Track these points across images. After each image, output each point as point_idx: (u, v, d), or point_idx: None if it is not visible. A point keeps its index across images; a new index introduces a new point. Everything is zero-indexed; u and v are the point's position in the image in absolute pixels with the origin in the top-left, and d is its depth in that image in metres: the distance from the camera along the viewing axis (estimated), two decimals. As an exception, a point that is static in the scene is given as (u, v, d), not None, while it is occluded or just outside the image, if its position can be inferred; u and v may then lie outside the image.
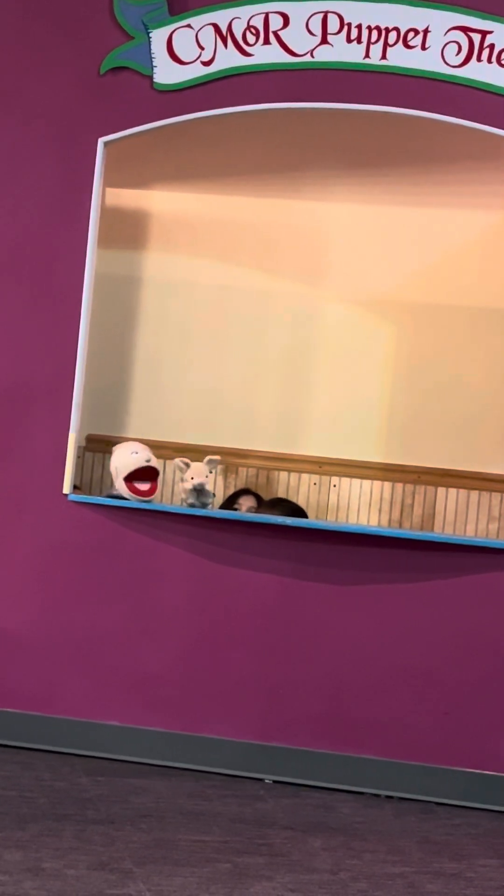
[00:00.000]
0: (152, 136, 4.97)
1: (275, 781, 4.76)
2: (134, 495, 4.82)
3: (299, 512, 5.44)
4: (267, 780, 4.77)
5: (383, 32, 4.74)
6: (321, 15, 4.76)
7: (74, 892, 3.54)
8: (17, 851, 3.80)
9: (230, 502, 5.55)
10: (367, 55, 4.75)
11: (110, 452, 5.60)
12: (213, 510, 4.98)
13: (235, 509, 5.45)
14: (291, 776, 4.76)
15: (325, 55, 4.77)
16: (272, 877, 3.82)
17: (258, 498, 5.56)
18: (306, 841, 4.18)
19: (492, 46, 4.70)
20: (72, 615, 4.89)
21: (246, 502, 5.51)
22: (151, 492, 4.85)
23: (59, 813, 4.20)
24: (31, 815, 4.15)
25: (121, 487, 4.84)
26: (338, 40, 4.76)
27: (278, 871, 3.87)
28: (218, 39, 4.81)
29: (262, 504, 5.49)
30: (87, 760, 4.80)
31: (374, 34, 4.74)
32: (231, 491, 5.67)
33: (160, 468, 4.94)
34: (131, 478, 4.83)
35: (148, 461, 4.85)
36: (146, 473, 4.84)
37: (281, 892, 3.70)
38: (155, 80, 4.86)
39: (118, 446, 5.00)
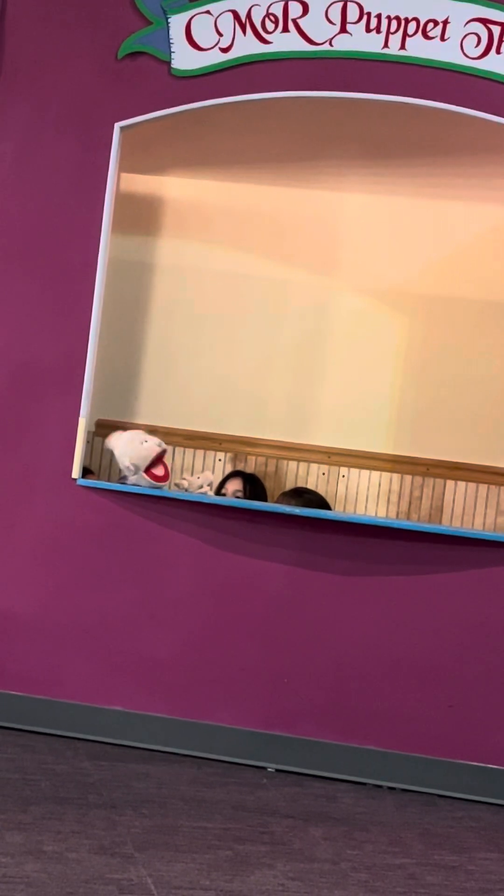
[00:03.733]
0: (168, 122, 4.96)
1: (277, 770, 4.77)
2: (155, 482, 4.81)
3: (322, 504, 5.41)
4: (269, 769, 4.77)
5: (402, 22, 4.73)
6: (341, 4, 4.74)
7: (75, 875, 3.55)
8: (19, 834, 3.81)
9: (220, 486, 5.53)
10: (385, 45, 4.74)
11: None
12: (216, 497, 4.98)
13: (223, 494, 5.43)
14: (294, 765, 4.77)
15: (343, 44, 4.76)
16: (273, 865, 3.83)
17: (247, 481, 5.52)
18: (307, 830, 4.18)
19: (511, 39, 4.69)
20: (78, 599, 4.89)
21: (231, 486, 5.49)
22: (167, 476, 4.83)
23: (61, 796, 4.21)
24: (33, 797, 4.16)
25: (140, 480, 4.80)
26: (357, 29, 4.74)
27: (279, 860, 3.87)
28: (237, 26, 4.80)
29: (282, 494, 5.48)
30: (89, 745, 4.81)
31: (394, 24, 4.72)
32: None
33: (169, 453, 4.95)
34: (149, 467, 4.82)
35: (160, 444, 4.82)
36: (158, 458, 4.83)
37: (281, 881, 3.71)
38: (173, 66, 4.84)
39: (117, 439, 4.87)
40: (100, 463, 5.68)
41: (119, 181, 5.04)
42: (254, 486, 5.51)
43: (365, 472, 5.65)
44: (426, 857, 4.06)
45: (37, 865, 3.58)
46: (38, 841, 3.77)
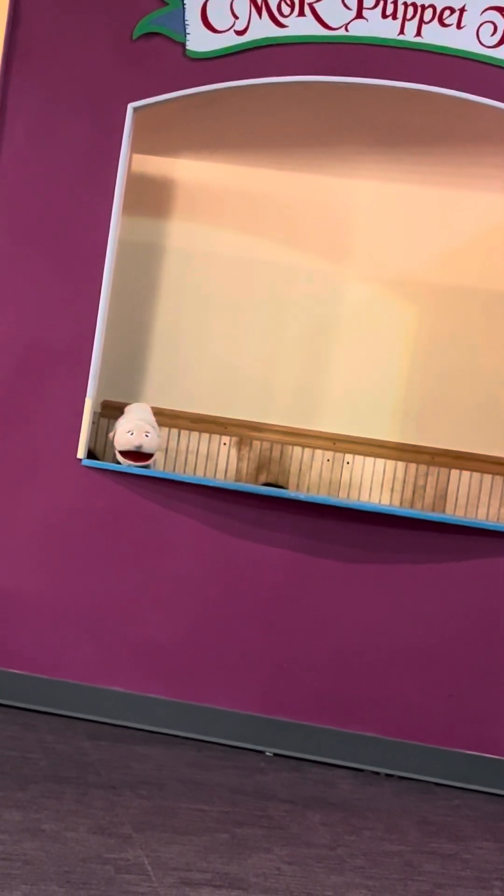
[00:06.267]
0: (181, 104, 4.95)
1: (276, 754, 4.78)
2: (136, 463, 4.84)
3: None
4: (268, 753, 4.78)
5: (419, 9, 4.71)
6: (357, -11, 4.73)
7: (73, 854, 3.56)
8: (17, 812, 3.82)
9: None
10: (401, 31, 4.72)
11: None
12: (222, 481, 4.97)
13: None
14: (293, 750, 4.77)
15: (359, 29, 4.74)
16: (270, 849, 3.83)
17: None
18: (305, 815, 4.19)
19: (528, 28, 4.68)
20: (81, 580, 4.89)
21: None
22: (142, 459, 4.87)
23: (60, 775, 4.22)
24: (32, 776, 4.17)
25: (118, 456, 4.88)
26: (373, 15, 4.73)
27: (276, 844, 3.88)
28: (253, 9, 4.78)
29: None
30: (90, 725, 4.82)
31: (410, 10, 4.71)
32: (244, 465, 5.65)
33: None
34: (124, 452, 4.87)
35: (139, 447, 4.84)
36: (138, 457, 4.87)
37: (278, 865, 3.72)
38: (187, 48, 4.83)
39: (127, 413, 5.00)
40: (105, 444, 5.67)
41: (131, 162, 5.03)
42: None
43: (370, 460, 5.64)
44: (423, 845, 4.07)
45: (35, 844, 3.59)
46: (36, 819, 3.78)
